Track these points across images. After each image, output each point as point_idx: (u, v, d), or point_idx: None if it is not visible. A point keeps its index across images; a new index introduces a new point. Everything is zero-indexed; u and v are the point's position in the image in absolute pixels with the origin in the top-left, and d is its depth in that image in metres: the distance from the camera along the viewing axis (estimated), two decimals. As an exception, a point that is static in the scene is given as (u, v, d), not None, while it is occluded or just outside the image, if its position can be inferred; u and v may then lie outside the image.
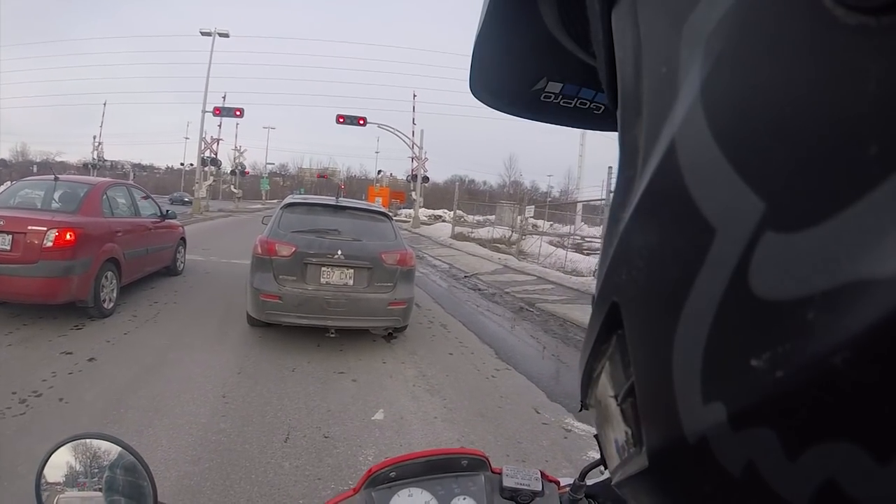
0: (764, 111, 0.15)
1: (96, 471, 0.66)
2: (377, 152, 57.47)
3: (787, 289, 0.14)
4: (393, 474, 0.76)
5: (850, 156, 0.13)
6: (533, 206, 19.21)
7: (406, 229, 24.95)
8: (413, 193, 30.68)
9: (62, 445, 0.66)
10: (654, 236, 0.21)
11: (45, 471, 0.65)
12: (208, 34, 27.69)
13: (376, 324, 5.43)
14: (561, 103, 0.41)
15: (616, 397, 0.24)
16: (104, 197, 6.10)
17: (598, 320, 0.25)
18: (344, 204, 5.76)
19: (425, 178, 30.48)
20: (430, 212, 40.51)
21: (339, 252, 5.10)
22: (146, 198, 7.64)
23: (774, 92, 0.15)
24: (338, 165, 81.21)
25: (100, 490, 0.66)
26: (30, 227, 5.06)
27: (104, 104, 45.97)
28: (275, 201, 42.58)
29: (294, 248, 5.08)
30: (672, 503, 0.21)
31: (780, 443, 0.15)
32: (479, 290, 9.90)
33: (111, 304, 5.78)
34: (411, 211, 32.11)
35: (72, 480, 0.66)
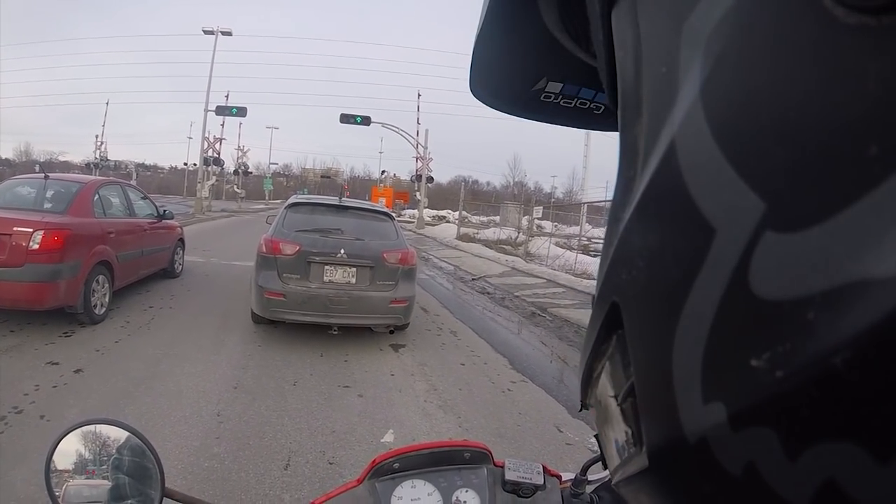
0: (764, 111, 0.15)
1: (105, 458, 0.66)
2: (381, 152, 56.64)
3: (787, 289, 0.14)
4: (396, 465, 0.75)
5: (850, 156, 0.13)
6: (541, 207, 18.81)
7: (410, 230, 24.67)
8: (417, 194, 30.23)
9: (70, 432, 0.66)
10: (654, 236, 0.20)
11: (55, 458, 0.66)
12: (211, 32, 27.26)
13: (378, 321, 5.38)
14: (561, 103, 0.41)
15: (616, 397, 0.24)
16: (96, 196, 5.74)
17: (598, 320, 0.25)
18: (347, 204, 5.79)
19: (430, 179, 30.08)
20: (434, 212, 40.15)
21: (342, 251, 5.15)
22: (144, 198, 7.39)
23: (775, 92, 0.15)
24: (341, 166, 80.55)
25: (106, 479, 0.67)
26: (15, 229, 4.68)
27: (107, 103, 45.15)
28: (278, 201, 42.54)
29: (298, 247, 5.11)
30: (672, 503, 0.21)
31: (780, 443, 0.15)
32: (488, 293, 9.54)
33: (103, 310, 5.42)
34: (415, 211, 31.71)
35: (80, 468, 0.66)
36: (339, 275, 5.19)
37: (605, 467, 0.30)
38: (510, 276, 11.83)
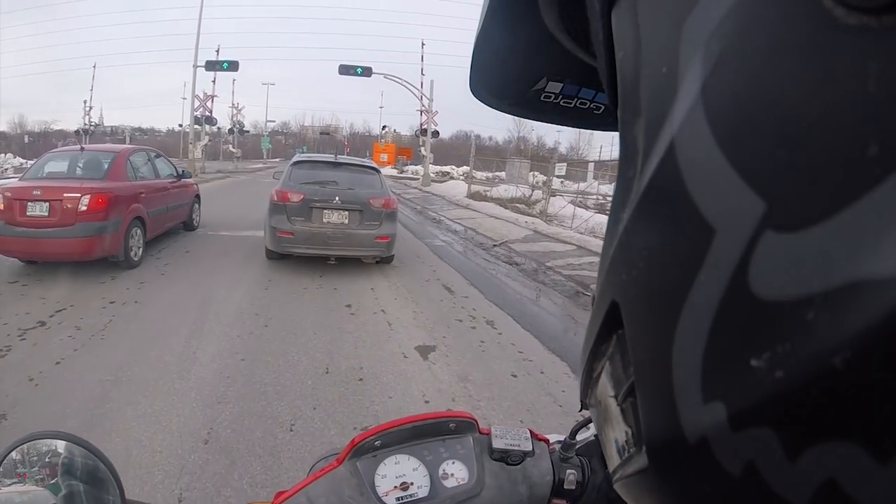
0: (764, 111, 0.15)
1: (47, 468, 0.59)
2: (381, 107, 54.72)
3: (786, 289, 0.14)
4: (378, 443, 0.67)
5: (849, 156, 0.13)
6: (565, 164, 17.25)
7: (416, 188, 23.29)
8: (422, 149, 28.46)
9: (14, 448, 0.58)
10: (653, 236, 0.20)
11: None
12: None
13: (366, 253, 6.79)
14: (561, 103, 0.41)
15: (616, 397, 0.24)
16: (128, 162, 6.80)
17: (598, 320, 0.25)
18: (341, 161, 7.23)
19: (435, 133, 28.40)
20: (438, 168, 38.51)
21: (337, 198, 6.52)
22: (158, 156, 8.13)
23: (774, 92, 0.15)
24: (340, 122, 78.53)
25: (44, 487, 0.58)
26: (65, 195, 5.70)
27: (94, 66, 43.13)
28: (277, 160, 40.98)
29: (302, 196, 6.46)
30: (672, 503, 0.21)
31: (780, 443, 0.15)
32: (516, 264, 8.24)
33: (138, 257, 6.45)
34: (419, 168, 30.13)
35: (10, 472, 0.57)
36: (335, 217, 6.55)
37: (606, 465, 0.28)
38: (535, 241, 10.54)
